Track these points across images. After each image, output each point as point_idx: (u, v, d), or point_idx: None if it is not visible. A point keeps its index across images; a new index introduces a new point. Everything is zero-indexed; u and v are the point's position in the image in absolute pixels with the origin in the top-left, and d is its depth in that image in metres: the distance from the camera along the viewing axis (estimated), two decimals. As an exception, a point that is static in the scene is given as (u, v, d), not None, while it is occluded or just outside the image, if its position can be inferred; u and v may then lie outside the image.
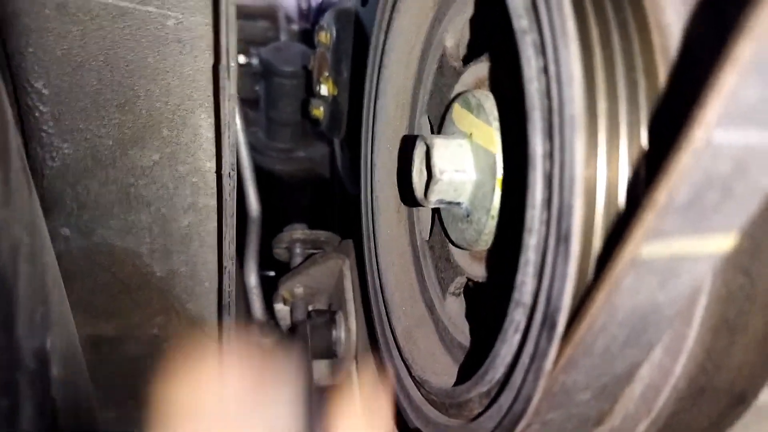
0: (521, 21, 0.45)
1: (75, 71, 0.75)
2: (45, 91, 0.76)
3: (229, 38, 0.67)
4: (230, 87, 0.72)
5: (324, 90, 1.12)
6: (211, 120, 0.81)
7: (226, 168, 0.78)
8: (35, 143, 0.80)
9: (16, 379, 0.41)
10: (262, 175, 1.26)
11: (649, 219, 0.35)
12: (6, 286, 0.40)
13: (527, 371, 0.46)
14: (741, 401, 0.45)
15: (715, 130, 0.31)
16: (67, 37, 0.72)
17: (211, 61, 0.76)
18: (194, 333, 0.96)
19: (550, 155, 0.44)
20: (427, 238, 0.80)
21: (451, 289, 0.73)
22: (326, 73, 1.11)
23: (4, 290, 0.40)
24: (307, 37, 1.51)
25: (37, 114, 0.78)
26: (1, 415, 0.39)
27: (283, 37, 1.52)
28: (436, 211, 0.77)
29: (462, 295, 0.75)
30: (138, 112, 0.79)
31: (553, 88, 0.42)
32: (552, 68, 0.42)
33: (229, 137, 0.76)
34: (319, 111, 1.16)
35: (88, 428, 0.56)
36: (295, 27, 1.56)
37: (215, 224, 0.89)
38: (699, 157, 0.32)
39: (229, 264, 0.85)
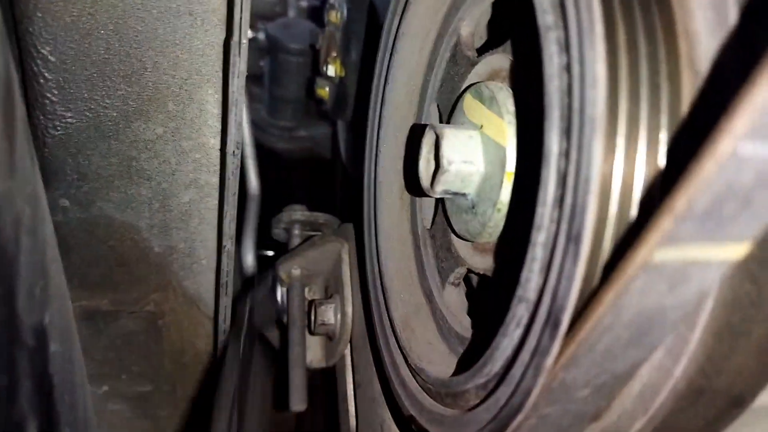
0: (546, 17, 0.45)
1: (83, 39, 0.73)
2: (51, 58, 0.74)
3: (243, 14, 0.66)
4: (240, 64, 0.71)
5: (331, 70, 1.11)
6: (218, 96, 0.80)
7: (231, 146, 0.78)
8: (38, 111, 0.79)
9: (16, 356, 0.41)
10: (262, 152, 1.25)
11: (665, 224, 0.35)
12: (8, 260, 0.40)
13: (527, 366, 0.47)
14: (739, 404, 0.46)
15: (741, 141, 0.31)
16: (77, 4, 0.71)
17: (221, 36, 0.75)
18: (190, 310, 0.96)
19: (566, 154, 0.44)
20: (429, 227, 0.80)
21: (451, 279, 0.74)
22: (334, 54, 1.10)
23: (5, 264, 0.39)
24: (315, 14, 1.49)
25: (41, 80, 0.77)
26: (2, 392, 0.38)
27: (291, 13, 1.50)
28: (439, 201, 0.76)
29: (461, 285, 0.75)
30: (144, 84, 0.78)
31: (574, 87, 0.42)
32: (576, 67, 0.42)
33: (235, 115, 0.75)
34: (324, 91, 1.15)
35: (81, 403, 0.56)
36: (303, 3, 1.54)
37: (216, 202, 0.89)
38: (723, 167, 0.32)
39: (229, 243, 0.84)
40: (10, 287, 0.41)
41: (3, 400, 0.39)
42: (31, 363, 0.43)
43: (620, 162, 0.41)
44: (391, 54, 0.80)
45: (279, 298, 1.06)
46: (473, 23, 0.73)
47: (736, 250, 0.37)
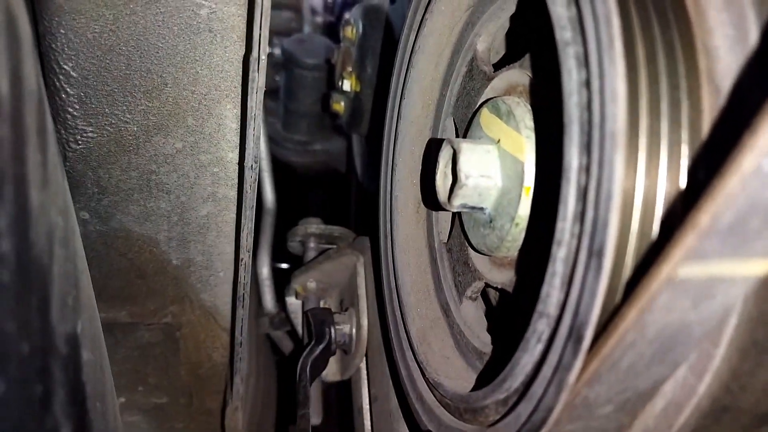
0: (564, 32, 0.45)
1: (104, 55, 0.75)
2: (73, 73, 0.76)
3: (262, 30, 0.67)
4: (259, 79, 0.72)
5: (346, 85, 1.12)
6: (237, 111, 0.81)
7: (249, 160, 0.79)
8: (59, 125, 0.80)
9: (50, 365, 0.41)
10: (277, 166, 1.26)
11: (689, 240, 0.35)
12: (42, 271, 0.41)
13: (549, 382, 0.46)
14: (764, 422, 0.46)
15: (766, 158, 0.31)
16: (99, 21, 0.72)
17: (240, 52, 0.76)
18: (207, 323, 0.97)
19: (586, 169, 0.44)
20: (446, 241, 0.80)
21: (468, 293, 0.73)
22: (350, 69, 1.11)
23: (40, 274, 0.40)
24: (330, 30, 1.51)
25: (63, 95, 0.78)
26: (36, 401, 0.39)
27: (306, 28, 1.53)
28: (456, 214, 0.77)
29: (479, 299, 0.75)
30: (164, 99, 0.79)
31: (594, 103, 0.42)
32: (595, 83, 0.42)
33: (254, 129, 0.76)
34: (339, 105, 1.16)
35: (111, 411, 0.56)
36: (319, 19, 1.56)
37: (233, 215, 0.89)
38: (747, 183, 0.32)
39: (246, 256, 0.85)
40: (45, 297, 0.42)
41: (38, 409, 0.40)
42: (64, 371, 0.44)
43: (642, 177, 0.41)
44: (407, 69, 0.81)
45: (294, 309, 1.06)
46: (489, 38, 0.73)
47: (761, 267, 0.36)
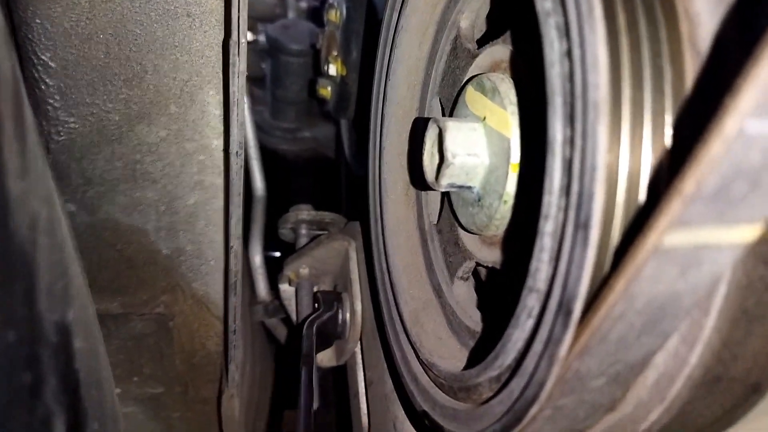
0: (545, 3, 0.44)
1: (83, 44, 0.73)
2: (52, 64, 0.74)
3: (241, 13, 0.65)
4: (240, 63, 0.71)
5: (332, 69, 1.11)
6: (220, 97, 0.80)
7: (234, 146, 0.78)
8: (41, 117, 0.79)
9: (39, 353, 0.41)
10: (266, 154, 1.25)
11: (674, 207, 0.34)
12: (26, 260, 0.40)
13: (540, 357, 0.46)
14: (756, 390, 0.46)
15: (748, 119, 0.30)
16: (75, 9, 0.71)
17: (220, 37, 0.75)
18: (199, 311, 0.96)
19: (570, 141, 0.43)
20: (436, 222, 0.80)
21: (459, 273, 0.73)
22: (335, 53, 1.10)
23: (24, 264, 0.40)
24: (315, 14, 1.49)
25: (43, 86, 0.77)
26: (25, 389, 0.39)
27: (290, 14, 1.51)
28: (445, 195, 0.76)
29: (470, 279, 0.75)
30: (145, 87, 0.78)
31: (576, 73, 0.41)
32: (576, 52, 0.41)
33: (237, 115, 0.75)
34: (326, 90, 1.15)
35: (108, 398, 0.56)
36: (303, 4, 1.54)
37: (222, 203, 0.89)
38: (730, 146, 0.31)
39: (236, 243, 0.84)
40: (30, 286, 0.41)
41: (27, 397, 0.40)
42: (55, 359, 0.44)
43: (626, 146, 0.40)
44: (391, 50, 0.80)
45: (287, 296, 1.06)
46: (472, 15, 0.72)
47: (748, 232, 0.36)
